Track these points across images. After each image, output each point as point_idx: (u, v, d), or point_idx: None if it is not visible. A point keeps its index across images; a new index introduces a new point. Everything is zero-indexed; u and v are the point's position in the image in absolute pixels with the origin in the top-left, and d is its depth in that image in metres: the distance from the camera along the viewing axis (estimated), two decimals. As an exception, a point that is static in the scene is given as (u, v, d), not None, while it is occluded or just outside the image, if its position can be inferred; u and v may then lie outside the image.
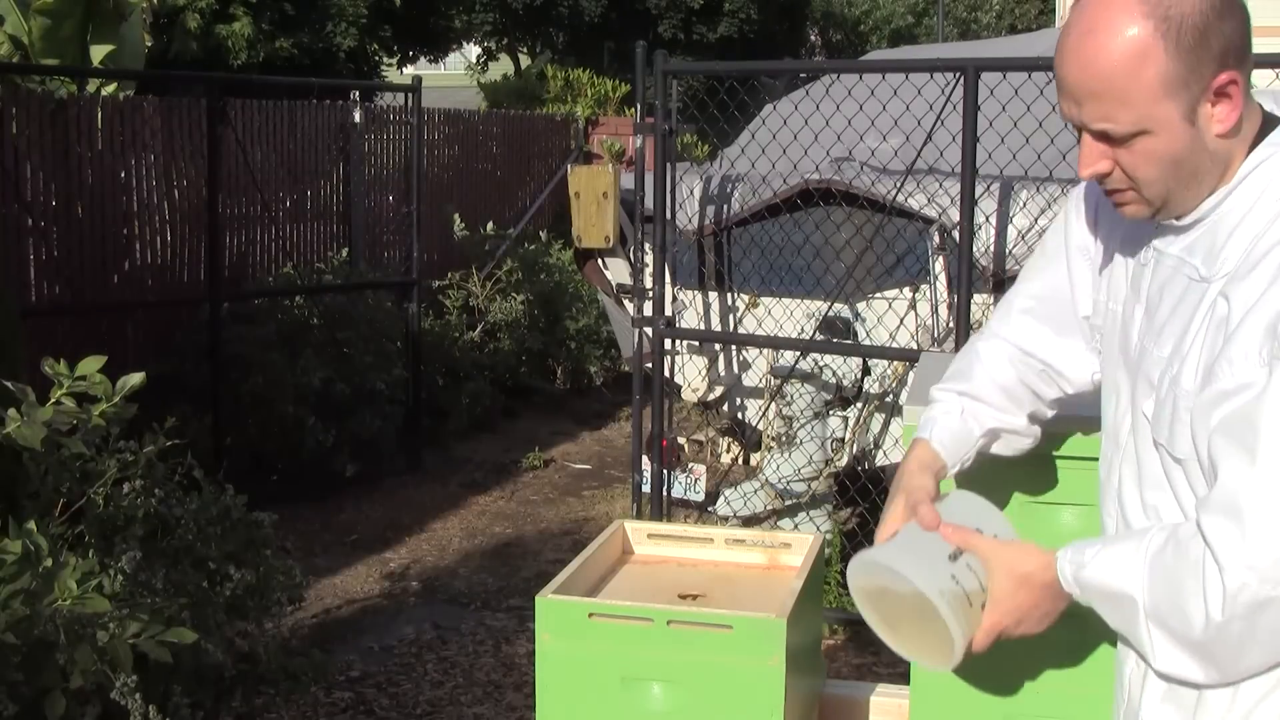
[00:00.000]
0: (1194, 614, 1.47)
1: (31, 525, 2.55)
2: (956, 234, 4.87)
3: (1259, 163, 1.55)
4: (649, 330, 5.37)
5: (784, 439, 5.62)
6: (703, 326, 6.22)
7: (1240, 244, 1.53)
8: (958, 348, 3.99)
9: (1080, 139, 1.58)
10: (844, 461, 5.66)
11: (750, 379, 6.28)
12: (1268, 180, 1.54)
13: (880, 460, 5.87)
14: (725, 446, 7.02)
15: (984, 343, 1.93)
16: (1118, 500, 1.70)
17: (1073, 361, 1.85)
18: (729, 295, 6.14)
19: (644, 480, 5.48)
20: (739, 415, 6.48)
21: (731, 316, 6.19)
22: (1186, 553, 1.48)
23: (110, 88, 8.03)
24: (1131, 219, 1.63)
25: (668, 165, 5.21)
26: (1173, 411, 1.55)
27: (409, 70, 18.71)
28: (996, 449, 1.91)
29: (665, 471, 5.48)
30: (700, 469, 5.99)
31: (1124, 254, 1.72)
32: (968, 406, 1.87)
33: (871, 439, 5.84)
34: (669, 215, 5.30)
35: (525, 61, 22.51)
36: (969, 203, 4.63)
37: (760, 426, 6.00)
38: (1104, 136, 1.54)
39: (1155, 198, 1.56)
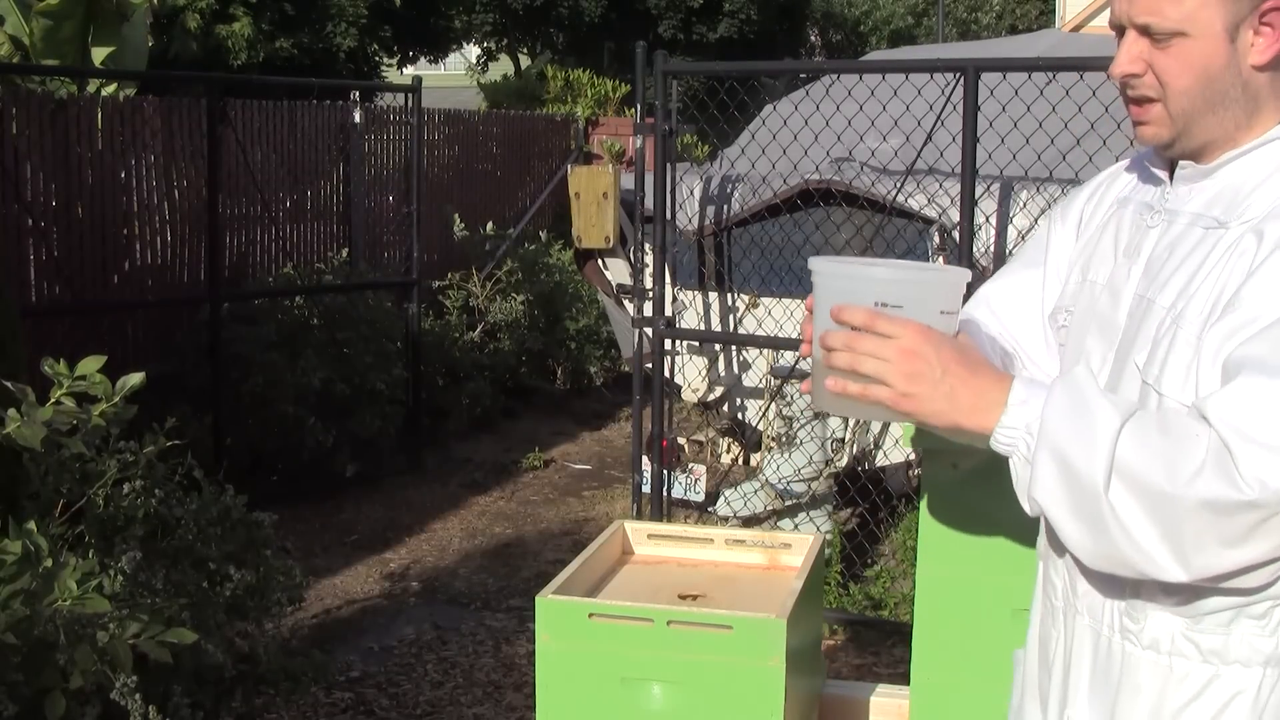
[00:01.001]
0: (1182, 464, 1.38)
1: (31, 525, 2.55)
2: (956, 234, 4.88)
3: None
4: (649, 330, 5.37)
5: (784, 439, 5.63)
6: (703, 327, 6.23)
7: (1270, 193, 1.51)
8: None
9: (1120, 42, 1.58)
10: (844, 462, 5.66)
11: (750, 379, 6.29)
12: None
13: (880, 460, 5.88)
14: (725, 447, 7.02)
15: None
16: None
17: (1037, 349, 1.80)
18: (729, 295, 6.15)
19: (644, 480, 5.48)
20: (739, 415, 6.49)
21: (731, 317, 6.19)
22: (1186, 422, 1.42)
23: (110, 88, 8.03)
24: (1149, 143, 1.61)
25: (668, 165, 5.21)
26: (1169, 347, 1.51)
27: (409, 70, 18.70)
28: None
29: (665, 472, 5.48)
30: (700, 469, 5.99)
31: (1115, 235, 1.69)
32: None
33: (871, 439, 5.85)
34: (669, 215, 5.30)
35: (525, 62, 22.50)
36: (969, 203, 4.63)
37: (760, 426, 6.00)
38: (1145, 32, 1.54)
39: (1179, 113, 1.55)
